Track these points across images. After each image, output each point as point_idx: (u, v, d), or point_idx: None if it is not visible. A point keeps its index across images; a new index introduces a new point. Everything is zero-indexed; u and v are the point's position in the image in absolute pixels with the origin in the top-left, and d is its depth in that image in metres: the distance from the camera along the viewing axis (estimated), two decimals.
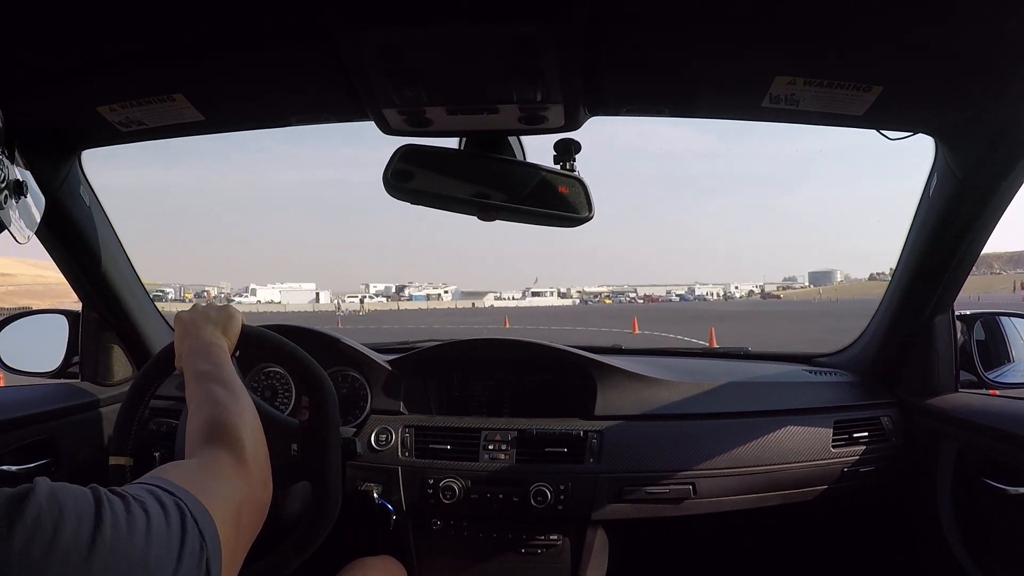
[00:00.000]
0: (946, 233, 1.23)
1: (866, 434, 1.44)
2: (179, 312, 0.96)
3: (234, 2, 0.78)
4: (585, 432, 1.41)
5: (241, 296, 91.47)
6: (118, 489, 0.48)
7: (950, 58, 0.86)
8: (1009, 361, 1.54)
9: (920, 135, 1.11)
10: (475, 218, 1.03)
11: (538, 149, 1.10)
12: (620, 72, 0.94)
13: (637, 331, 17.95)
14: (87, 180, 1.32)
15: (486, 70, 0.88)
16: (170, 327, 1.66)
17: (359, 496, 1.38)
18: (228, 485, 0.61)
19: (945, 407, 1.38)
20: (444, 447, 1.43)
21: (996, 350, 1.54)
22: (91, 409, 1.47)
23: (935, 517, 1.33)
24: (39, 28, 0.80)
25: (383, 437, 1.45)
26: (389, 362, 1.56)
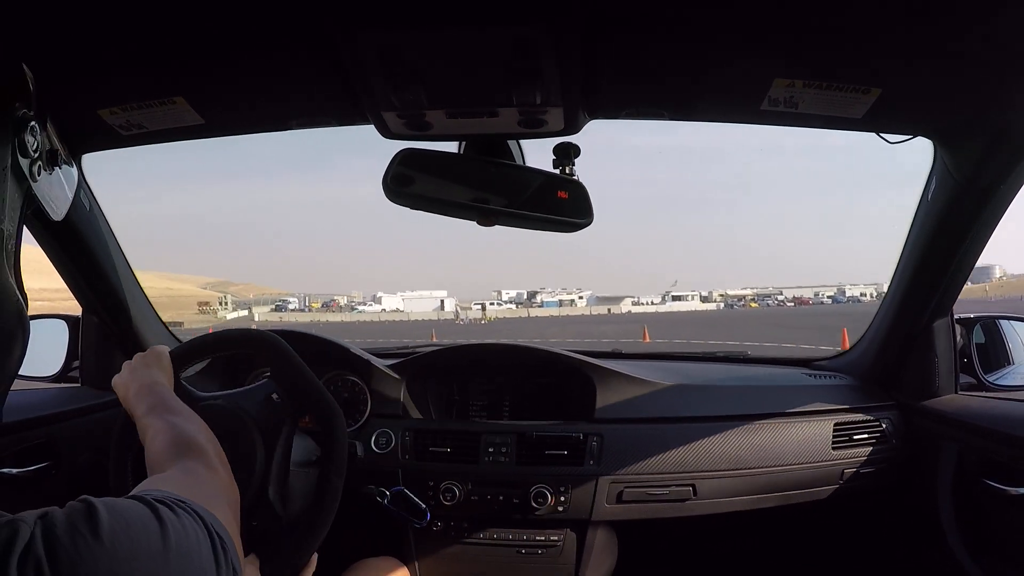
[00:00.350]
0: (945, 236, 1.23)
1: (866, 436, 1.44)
2: (114, 380, 0.97)
3: (234, 5, 0.78)
4: (585, 435, 1.41)
5: (367, 304, 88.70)
6: (154, 496, 0.49)
7: (948, 61, 0.86)
8: (1009, 364, 1.55)
9: (919, 138, 1.11)
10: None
11: (539, 153, 1.01)
12: (619, 75, 0.94)
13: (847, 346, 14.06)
14: (87, 184, 1.32)
15: (485, 73, 0.88)
16: (169, 331, 1.66)
17: (361, 497, 1.38)
18: (213, 489, 0.66)
19: (945, 409, 1.38)
20: (444, 450, 1.43)
21: (996, 353, 1.55)
22: (91, 413, 1.47)
23: (935, 518, 1.33)
24: (38, 30, 0.80)
25: (383, 440, 1.45)
26: (389, 367, 1.56)
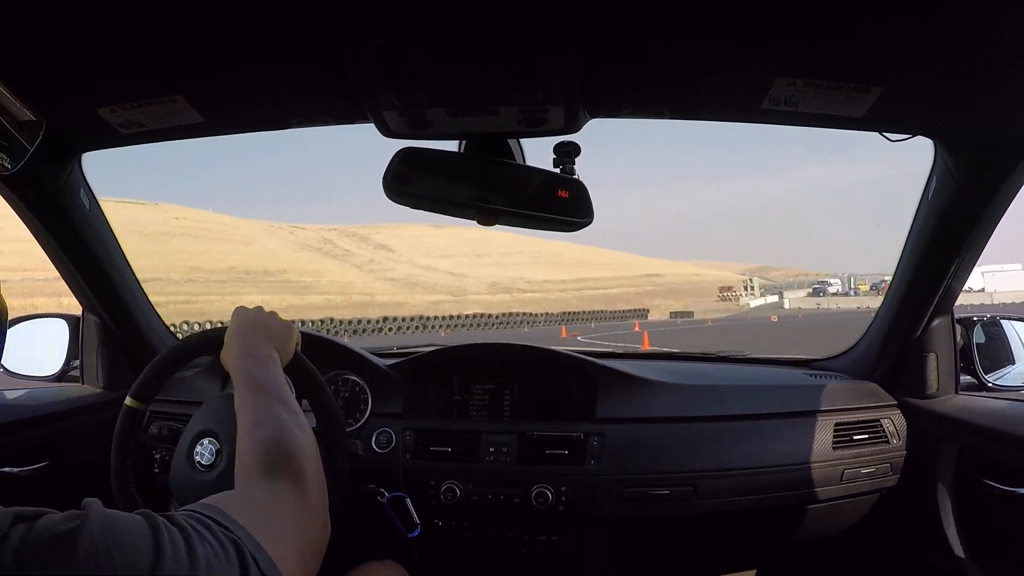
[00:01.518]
0: (945, 236, 1.23)
1: (866, 436, 1.44)
2: (239, 308, 0.95)
3: (235, 5, 0.78)
4: (586, 434, 1.41)
5: None
6: (178, 519, 0.47)
7: (949, 60, 0.86)
8: (1009, 364, 1.54)
9: (920, 137, 1.11)
10: None
11: (539, 152, 1.01)
12: (620, 74, 0.94)
13: None
14: (87, 183, 1.32)
15: (486, 72, 0.88)
16: (170, 332, 1.66)
17: (362, 497, 1.38)
18: (291, 526, 0.58)
19: (945, 409, 1.38)
20: (445, 449, 1.43)
21: (996, 353, 1.54)
22: (91, 412, 1.47)
23: (936, 518, 1.33)
24: (39, 29, 0.80)
25: (383, 439, 1.45)
26: (389, 366, 1.56)
